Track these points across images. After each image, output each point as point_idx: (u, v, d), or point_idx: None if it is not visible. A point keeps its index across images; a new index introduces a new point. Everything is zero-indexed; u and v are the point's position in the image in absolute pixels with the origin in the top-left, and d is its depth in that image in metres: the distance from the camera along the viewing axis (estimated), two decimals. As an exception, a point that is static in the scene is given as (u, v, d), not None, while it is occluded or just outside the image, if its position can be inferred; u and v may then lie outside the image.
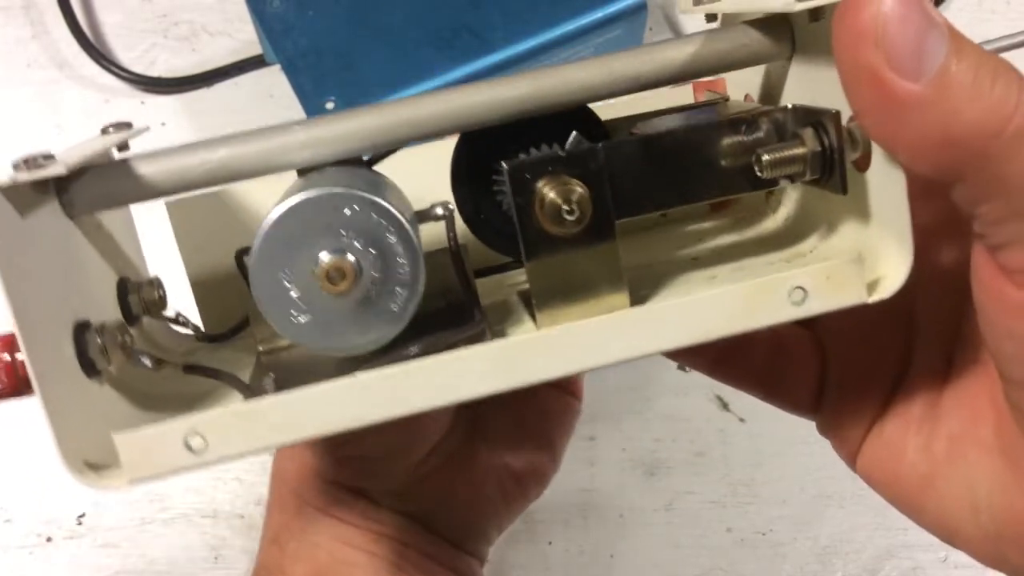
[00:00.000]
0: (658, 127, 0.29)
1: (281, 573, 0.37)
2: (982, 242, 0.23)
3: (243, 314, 0.29)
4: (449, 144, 0.28)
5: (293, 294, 0.23)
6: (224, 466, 0.56)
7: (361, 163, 0.27)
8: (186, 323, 0.31)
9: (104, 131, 0.25)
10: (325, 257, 0.23)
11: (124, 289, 0.28)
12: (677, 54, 0.26)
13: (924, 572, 0.54)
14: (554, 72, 0.26)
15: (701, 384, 0.57)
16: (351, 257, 0.23)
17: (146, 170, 0.24)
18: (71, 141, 0.57)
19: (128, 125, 0.26)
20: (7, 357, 0.23)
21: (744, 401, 0.57)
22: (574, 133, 0.25)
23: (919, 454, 0.28)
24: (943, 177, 0.22)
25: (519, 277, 0.31)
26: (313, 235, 0.23)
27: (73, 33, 0.62)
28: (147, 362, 0.26)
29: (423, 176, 0.28)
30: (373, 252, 0.23)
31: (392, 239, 0.23)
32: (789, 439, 0.56)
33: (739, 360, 0.31)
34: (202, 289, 0.32)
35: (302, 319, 0.24)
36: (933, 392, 0.28)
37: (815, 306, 0.24)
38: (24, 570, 0.55)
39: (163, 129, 0.63)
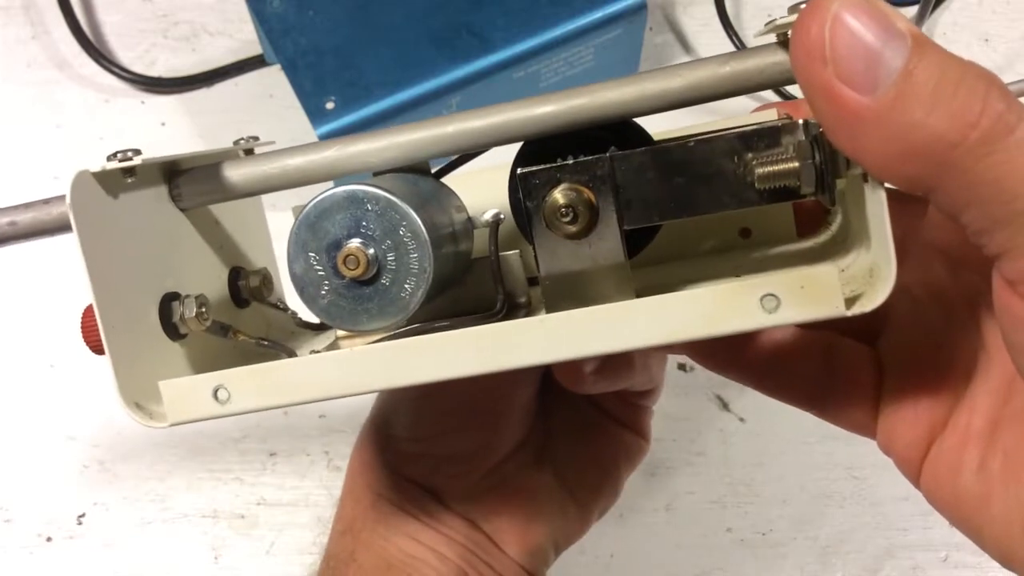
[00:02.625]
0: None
1: (352, 561, 0.37)
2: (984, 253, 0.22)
3: None
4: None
5: (320, 274, 0.26)
6: (224, 466, 0.56)
7: (427, 172, 0.30)
8: (286, 309, 0.35)
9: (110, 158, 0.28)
10: (343, 244, 0.26)
11: (235, 277, 0.33)
12: (704, 73, 0.26)
13: (924, 572, 0.54)
14: (592, 89, 0.27)
15: (701, 384, 0.57)
16: (370, 250, 0.26)
17: (233, 173, 0.28)
18: (71, 141, 0.58)
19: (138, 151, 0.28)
20: None
21: (744, 401, 0.57)
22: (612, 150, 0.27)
23: (976, 472, 0.26)
24: (914, 189, 0.21)
25: None
26: (338, 224, 0.26)
27: (73, 33, 0.62)
28: (220, 332, 0.30)
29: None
30: (388, 243, 0.26)
31: (405, 235, 0.26)
32: (789, 439, 0.56)
33: (787, 375, 0.30)
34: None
35: (325, 298, 0.27)
36: (996, 406, 0.27)
37: (789, 315, 0.23)
38: (24, 570, 0.55)
39: (163, 129, 0.63)
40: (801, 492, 0.56)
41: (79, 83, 0.63)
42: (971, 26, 0.64)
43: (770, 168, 0.25)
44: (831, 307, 0.23)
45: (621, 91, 0.27)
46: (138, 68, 0.63)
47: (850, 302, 0.23)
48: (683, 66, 0.27)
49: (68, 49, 0.63)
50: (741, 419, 0.57)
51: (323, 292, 0.26)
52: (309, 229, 0.26)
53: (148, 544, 0.55)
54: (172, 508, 0.56)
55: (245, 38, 0.64)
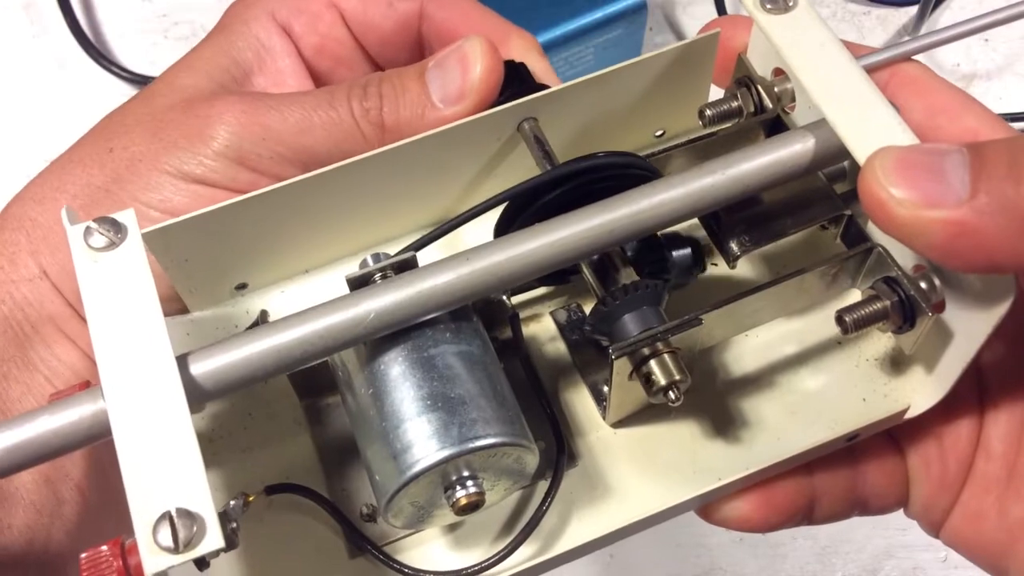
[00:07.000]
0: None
1: None
2: None
3: None
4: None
5: (423, 513, 0.26)
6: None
7: (471, 316, 0.27)
8: None
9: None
10: (461, 494, 0.24)
11: None
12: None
13: (924, 572, 0.54)
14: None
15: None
16: (483, 488, 0.25)
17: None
18: (71, 141, 0.57)
19: None
20: (119, 562, 0.23)
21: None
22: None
23: (999, 519, 0.28)
24: None
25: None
26: (446, 476, 0.24)
27: (73, 33, 0.62)
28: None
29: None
30: (493, 476, 0.25)
31: (516, 462, 0.25)
32: (789, 439, 0.56)
33: (827, 502, 0.31)
34: None
35: (424, 523, 0.26)
36: (1010, 452, 0.28)
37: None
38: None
39: (163, 129, 0.62)
40: (801, 492, 0.56)
41: (79, 83, 0.63)
42: (971, 26, 0.64)
43: (858, 313, 0.26)
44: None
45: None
46: (138, 68, 0.63)
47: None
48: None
49: (68, 49, 0.63)
50: (741, 419, 0.57)
51: (422, 522, 0.26)
52: (422, 483, 0.24)
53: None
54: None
55: (245, 38, 0.64)
